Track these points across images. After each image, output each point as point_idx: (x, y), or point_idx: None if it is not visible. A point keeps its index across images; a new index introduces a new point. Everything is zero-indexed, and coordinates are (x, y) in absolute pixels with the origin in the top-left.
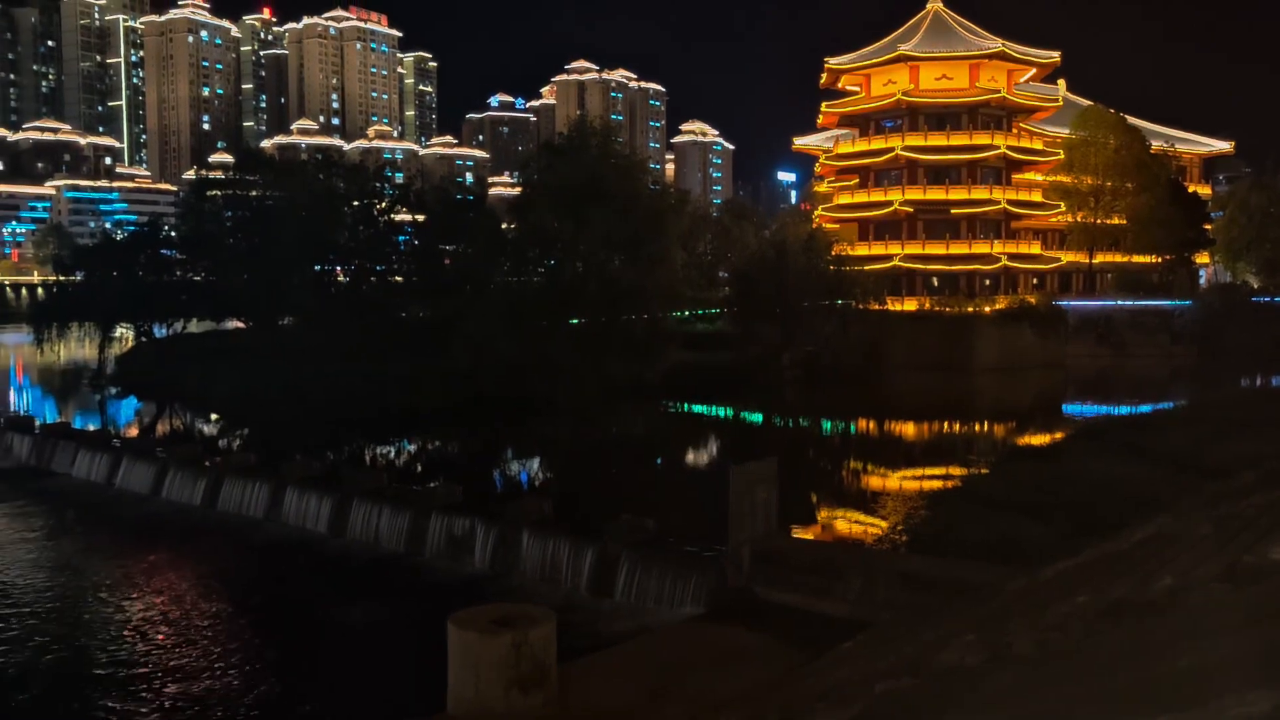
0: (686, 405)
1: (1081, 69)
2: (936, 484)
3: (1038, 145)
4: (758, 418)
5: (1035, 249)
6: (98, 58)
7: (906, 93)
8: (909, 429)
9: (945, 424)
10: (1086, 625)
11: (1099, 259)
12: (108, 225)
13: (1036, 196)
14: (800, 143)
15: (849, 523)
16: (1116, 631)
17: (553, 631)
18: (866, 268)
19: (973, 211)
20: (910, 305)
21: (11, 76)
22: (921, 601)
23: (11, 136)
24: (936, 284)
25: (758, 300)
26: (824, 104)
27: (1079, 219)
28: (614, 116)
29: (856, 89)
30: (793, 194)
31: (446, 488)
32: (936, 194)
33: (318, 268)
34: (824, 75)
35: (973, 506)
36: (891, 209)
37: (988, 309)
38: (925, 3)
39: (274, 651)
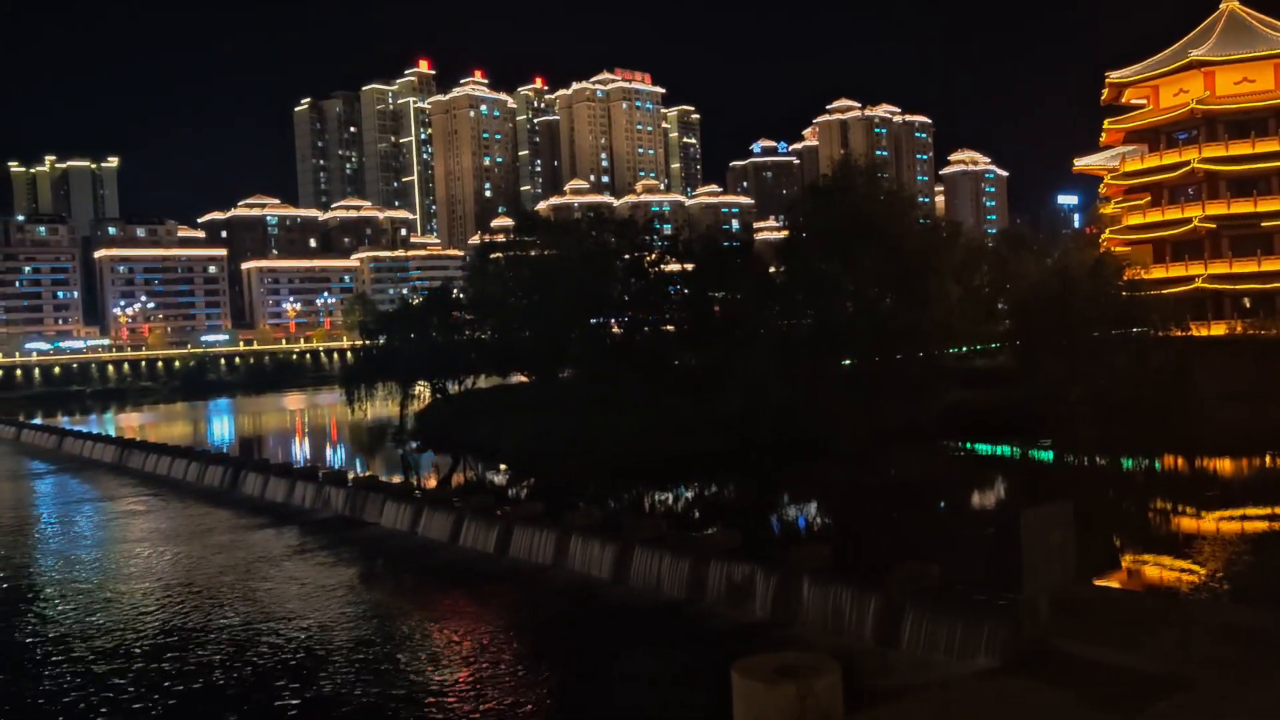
0: (967, 445)
1: None
2: (1262, 525)
3: None
4: (1047, 457)
5: None
6: (392, 138)
7: (1201, 100)
8: (1225, 465)
9: (1270, 459)
10: None
11: None
12: (404, 291)
13: None
14: (1081, 163)
15: (1159, 569)
16: None
17: (838, 682)
18: (1164, 292)
19: None
20: (1219, 330)
21: (321, 162)
22: (1250, 659)
23: (322, 216)
24: (1249, 305)
25: (1040, 332)
26: (1106, 121)
27: None
28: (879, 153)
29: (1143, 102)
30: (1075, 218)
31: (725, 534)
32: (1243, 207)
33: (593, 321)
34: (1105, 91)
35: None
36: (1190, 227)
37: None
38: (1218, 4)
39: (562, 696)
